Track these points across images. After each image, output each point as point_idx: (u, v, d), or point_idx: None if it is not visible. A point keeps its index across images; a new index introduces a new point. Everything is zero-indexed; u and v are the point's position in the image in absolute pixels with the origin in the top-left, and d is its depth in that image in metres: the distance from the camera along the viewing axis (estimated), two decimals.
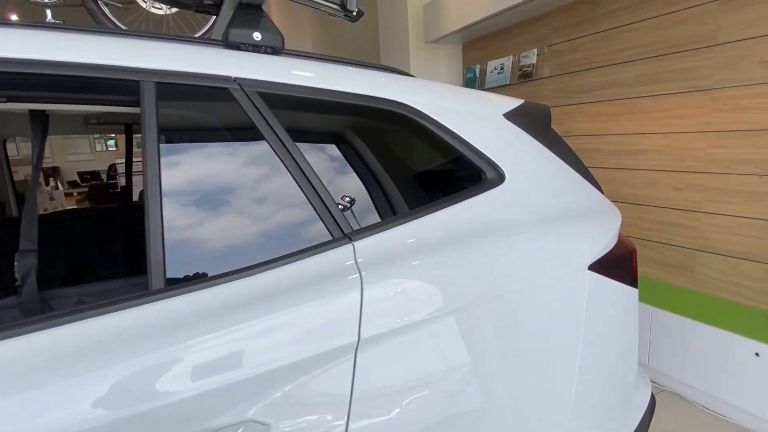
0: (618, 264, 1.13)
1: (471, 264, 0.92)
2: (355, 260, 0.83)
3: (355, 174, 0.96)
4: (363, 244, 0.85)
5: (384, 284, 0.83)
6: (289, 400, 0.71)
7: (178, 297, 0.70)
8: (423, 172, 1.03)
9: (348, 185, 0.93)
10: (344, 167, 0.95)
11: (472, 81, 3.58)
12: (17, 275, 0.81)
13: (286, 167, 0.84)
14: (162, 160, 0.76)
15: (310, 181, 0.85)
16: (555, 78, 2.92)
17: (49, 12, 1.73)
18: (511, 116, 1.14)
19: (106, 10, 1.59)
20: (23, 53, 0.71)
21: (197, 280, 0.73)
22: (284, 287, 0.76)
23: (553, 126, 1.25)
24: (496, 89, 3.38)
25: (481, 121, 1.08)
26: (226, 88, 0.83)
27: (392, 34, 3.90)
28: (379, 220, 0.93)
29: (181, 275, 0.74)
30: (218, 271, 0.75)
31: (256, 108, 0.84)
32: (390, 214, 0.95)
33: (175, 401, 0.65)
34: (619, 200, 2.61)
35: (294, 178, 0.84)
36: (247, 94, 0.84)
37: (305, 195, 0.84)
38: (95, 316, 0.65)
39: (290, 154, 0.84)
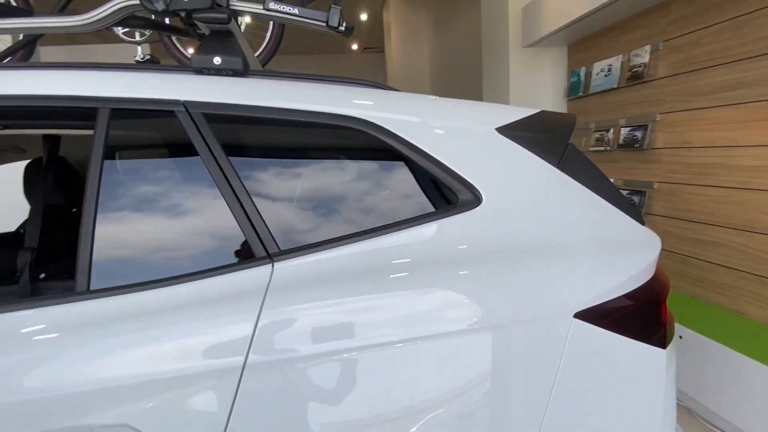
0: (633, 314, 0.90)
1: (399, 300, 0.82)
2: (269, 282, 0.81)
3: (301, 192, 0.93)
4: (285, 266, 0.83)
5: (289, 311, 0.79)
6: (164, 412, 0.72)
7: (98, 300, 0.78)
8: (384, 192, 0.95)
9: (291, 204, 0.91)
10: (290, 185, 0.93)
11: (577, 86, 3.20)
12: (18, 267, 0.99)
13: (217, 185, 0.86)
14: (104, 176, 0.84)
15: (238, 199, 0.85)
16: (671, 78, 2.45)
17: (139, 49, 2.04)
18: (507, 130, 0.99)
19: (177, 44, 1.84)
20: (23, 90, 0.86)
21: (114, 288, 0.79)
22: (190, 301, 0.78)
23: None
24: (601, 94, 2.97)
25: (461, 137, 0.96)
26: (173, 111, 0.88)
27: (492, 39, 3.72)
28: (319, 240, 0.89)
29: (104, 282, 0.81)
30: (139, 280, 0.81)
31: (197, 128, 0.88)
32: (333, 236, 0.90)
33: (56, 395, 0.72)
34: (748, 229, 2.07)
35: (223, 195, 0.85)
36: (191, 116, 0.88)
37: (232, 212, 0.85)
38: None
39: (223, 172, 0.86)
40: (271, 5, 1.04)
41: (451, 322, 0.83)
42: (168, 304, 0.78)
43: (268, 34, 1.76)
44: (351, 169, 0.94)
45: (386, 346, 0.80)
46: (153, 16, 1.28)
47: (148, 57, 1.93)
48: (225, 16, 0.91)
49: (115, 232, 0.85)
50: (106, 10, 0.95)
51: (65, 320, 0.77)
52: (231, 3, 0.98)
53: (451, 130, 0.97)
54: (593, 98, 3.11)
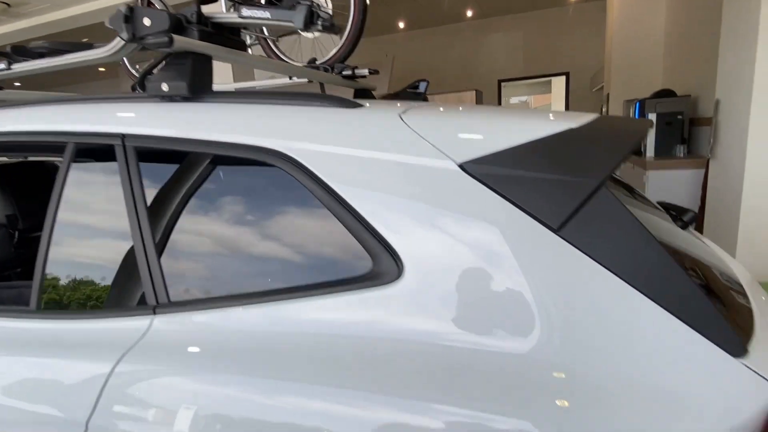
0: None
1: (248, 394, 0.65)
2: (143, 335, 0.75)
3: (207, 238, 0.81)
4: (165, 321, 0.75)
5: (145, 373, 0.72)
6: None
7: None
8: (293, 247, 0.76)
9: (195, 249, 0.82)
10: (198, 228, 0.83)
11: None
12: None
13: (130, 225, 0.83)
14: (61, 204, 0.90)
15: (143, 242, 0.81)
16: None
17: (250, 50, 2.15)
18: (481, 166, 0.66)
19: (271, 44, 1.85)
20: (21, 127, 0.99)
21: None
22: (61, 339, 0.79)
23: None
24: None
25: (400, 178, 0.68)
26: (112, 145, 0.87)
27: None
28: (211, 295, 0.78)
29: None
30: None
31: (126, 163, 0.85)
32: (232, 292, 0.77)
33: None
34: None
35: (132, 235, 0.82)
36: (125, 150, 0.86)
37: (136, 256, 0.81)
38: None
39: (136, 211, 0.82)
40: (245, 12, 0.94)
41: None
42: (45, 338, 0.81)
43: (351, 12, 1.60)
44: (260, 214, 0.79)
45: None
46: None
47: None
48: (166, 40, 0.85)
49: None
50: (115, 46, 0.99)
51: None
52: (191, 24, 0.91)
53: (390, 167, 0.70)
54: None
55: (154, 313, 0.77)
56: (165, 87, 0.89)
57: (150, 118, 0.86)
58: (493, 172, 0.66)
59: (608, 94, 6.53)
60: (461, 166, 0.67)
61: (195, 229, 0.84)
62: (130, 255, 0.82)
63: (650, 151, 4.57)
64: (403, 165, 0.69)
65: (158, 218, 0.83)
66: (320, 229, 0.74)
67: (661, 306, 0.58)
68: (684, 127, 4.46)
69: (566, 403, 0.54)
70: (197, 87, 0.90)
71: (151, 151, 0.86)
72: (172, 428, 0.67)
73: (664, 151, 4.49)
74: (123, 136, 0.86)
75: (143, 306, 0.79)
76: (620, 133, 0.70)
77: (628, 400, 0.54)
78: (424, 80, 1.56)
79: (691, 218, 1.09)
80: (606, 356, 0.57)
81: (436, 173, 0.67)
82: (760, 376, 0.55)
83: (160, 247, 0.81)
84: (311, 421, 0.60)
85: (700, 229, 3.49)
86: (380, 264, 0.66)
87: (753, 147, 2.75)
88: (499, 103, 9.96)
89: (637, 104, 4.86)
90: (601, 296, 0.59)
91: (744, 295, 0.75)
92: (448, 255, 0.64)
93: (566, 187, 0.63)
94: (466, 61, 9.72)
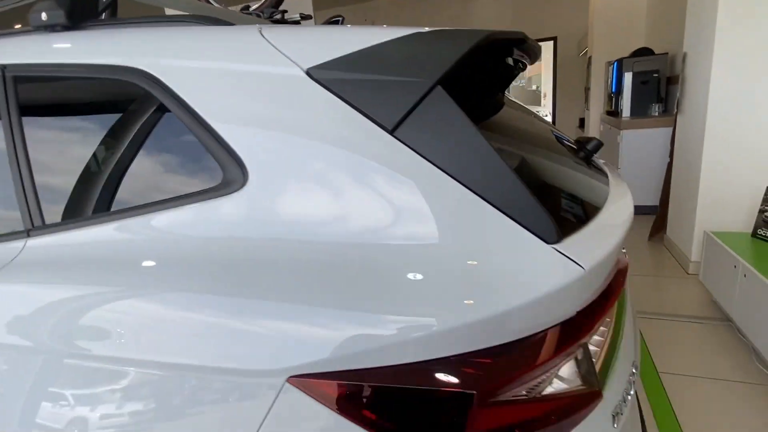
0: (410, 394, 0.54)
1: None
2: (14, 257, 0.77)
3: (77, 160, 0.83)
4: (39, 243, 0.78)
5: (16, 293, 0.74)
6: None
7: None
8: (156, 163, 0.77)
9: (66, 171, 0.83)
10: (68, 151, 0.84)
11: None
12: None
13: (7, 151, 0.84)
14: None
15: (19, 167, 0.82)
16: None
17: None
18: (324, 71, 0.67)
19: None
20: None
21: None
22: None
23: None
24: None
25: (248, 86, 0.70)
26: None
27: None
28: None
29: None
30: None
31: (5, 92, 0.86)
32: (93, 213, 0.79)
33: None
34: None
35: (9, 162, 0.83)
36: (4, 79, 0.87)
37: (12, 181, 0.83)
38: None
39: (13, 138, 0.84)
40: None
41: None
42: None
43: None
44: (125, 133, 0.80)
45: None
46: None
47: None
48: None
49: None
50: None
51: None
52: None
53: (243, 78, 0.71)
54: None
55: (29, 235, 0.80)
56: (44, 16, 0.89)
57: (25, 49, 0.87)
58: (336, 76, 0.67)
59: (590, 57, 6.45)
60: (308, 72, 0.68)
61: (65, 152, 0.85)
62: (15, 180, 0.84)
63: (626, 111, 4.55)
64: (255, 75, 0.70)
65: (30, 144, 0.84)
66: (178, 143, 0.75)
67: (486, 200, 0.60)
68: (660, 85, 4.42)
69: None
70: (77, 15, 0.90)
71: (30, 79, 0.87)
72: (41, 337, 0.70)
73: (640, 110, 4.46)
74: (4, 67, 0.87)
75: (20, 231, 0.82)
76: (463, 35, 0.70)
77: (451, 277, 0.57)
78: (340, 16, 1.55)
79: (595, 146, 1.10)
80: (434, 243, 0.59)
81: (285, 80, 0.68)
82: (568, 258, 0.58)
83: (30, 172, 0.82)
84: (170, 326, 0.63)
85: (668, 184, 3.51)
86: (229, 173, 0.68)
87: (714, 100, 2.74)
88: None
89: (615, 64, 4.81)
90: (430, 192, 0.61)
91: (590, 207, 0.77)
92: (291, 159, 0.66)
93: (401, 88, 0.65)
94: (453, 27, 9.55)
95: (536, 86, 14.03)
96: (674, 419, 1.76)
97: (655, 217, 3.73)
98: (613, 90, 4.95)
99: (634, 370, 0.75)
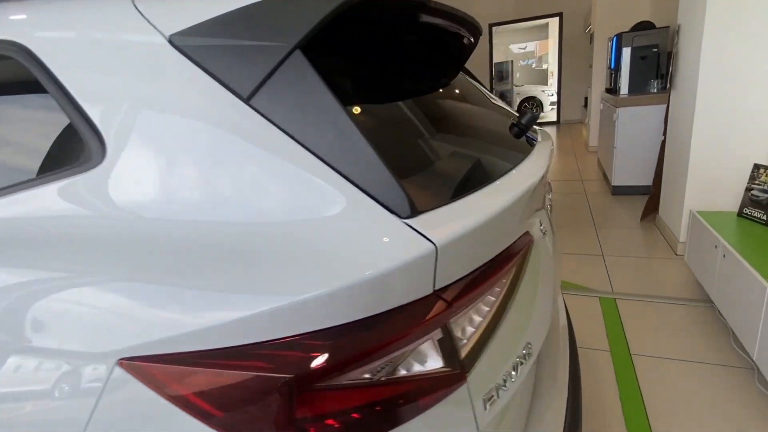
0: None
1: None
2: None
3: None
4: None
5: None
6: None
7: None
8: (27, 139, 0.75)
9: None
10: None
11: None
12: None
13: None
14: None
15: None
16: None
17: None
18: (187, 37, 0.64)
19: None
20: None
21: None
22: None
23: None
24: None
25: (113, 56, 0.67)
26: None
27: None
28: None
29: None
30: None
31: None
32: None
33: None
34: None
35: None
36: None
37: None
38: None
39: None
40: None
41: None
42: None
43: None
44: (5, 108, 0.77)
45: None
46: None
47: None
48: None
49: None
50: None
51: None
52: None
53: (106, 46, 0.68)
54: None
55: None
56: None
57: None
58: (198, 43, 0.63)
59: (592, 33, 6.24)
60: (170, 40, 0.64)
61: None
62: None
63: (624, 88, 4.40)
64: (120, 44, 0.67)
65: None
66: (47, 118, 0.73)
67: (339, 172, 0.57)
68: (660, 60, 4.26)
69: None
70: None
71: None
72: None
73: (638, 87, 4.31)
74: None
75: None
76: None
77: (286, 255, 0.54)
78: None
79: (529, 120, 1.05)
80: (275, 220, 0.56)
81: (148, 49, 0.65)
82: (419, 233, 0.54)
83: None
84: (15, 305, 0.62)
85: (662, 162, 3.40)
86: (90, 150, 0.65)
87: (704, 74, 2.62)
88: (491, 51, 9.61)
89: (614, 39, 4.64)
90: (280, 165, 0.58)
91: (474, 183, 0.72)
92: (149, 134, 0.63)
93: (259, 54, 0.61)
94: (454, 5, 9.30)
95: (546, 65, 13.70)
96: (640, 400, 1.73)
97: (648, 198, 3.64)
98: (612, 66, 4.80)
99: (524, 352, 0.72)
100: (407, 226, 0.55)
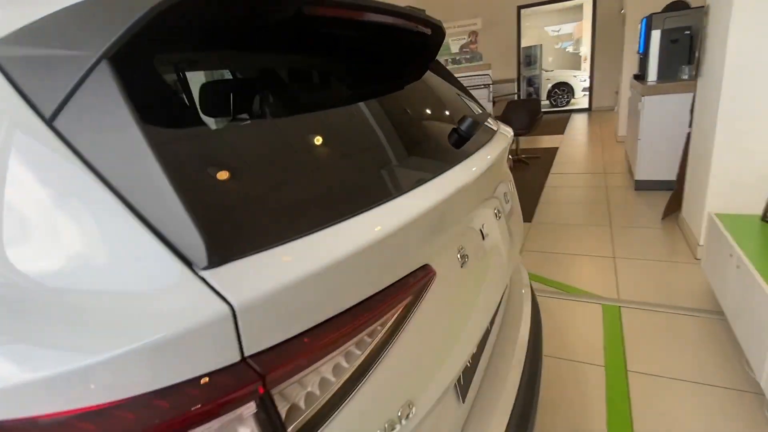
0: None
1: None
2: None
3: None
4: None
5: None
6: None
7: None
8: None
9: None
10: None
11: None
12: None
13: None
14: None
15: None
16: None
17: None
18: (3, 47, 0.55)
19: None
20: None
21: None
22: None
23: None
24: None
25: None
26: None
27: None
28: None
29: None
30: None
31: None
32: None
33: None
34: None
35: None
36: None
37: None
38: None
39: None
40: None
41: None
42: None
43: None
44: None
45: None
46: None
47: None
48: None
49: None
50: None
51: None
52: None
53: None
54: None
55: None
56: None
57: None
58: (10, 53, 0.55)
59: (625, 14, 5.83)
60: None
61: None
62: None
63: (652, 75, 4.07)
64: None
65: None
66: None
67: (135, 212, 0.47)
68: (693, 44, 3.90)
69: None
70: None
71: None
72: None
73: (668, 73, 3.97)
74: None
75: None
76: None
77: (45, 316, 0.45)
78: None
79: (470, 126, 0.92)
80: (49, 269, 0.47)
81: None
82: (213, 290, 0.44)
83: None
84: None
85: (686, 157, 3.13)
86: None
87: (731, 60, 2.35)
88: (519, 35, 9.19)
89: (644, 21, 4.28)
90: (71, 201, 0.49)
91: (332, 214, 0.60)
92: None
93: (67, 65, 0.52)
94: None
95: (581, 49, 13.03)
96: (629, 425, 1.58)
97: (671, 195, 3.36)
98: (641, 50, 4.45)
99: (398, 414, 0.61)
100: (200, 281, 0.45)
